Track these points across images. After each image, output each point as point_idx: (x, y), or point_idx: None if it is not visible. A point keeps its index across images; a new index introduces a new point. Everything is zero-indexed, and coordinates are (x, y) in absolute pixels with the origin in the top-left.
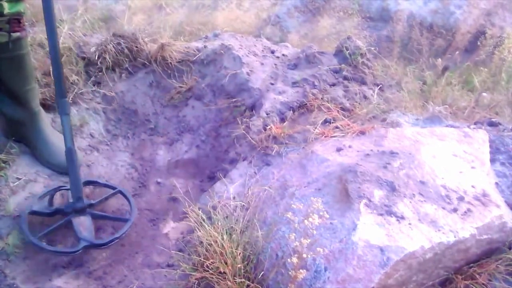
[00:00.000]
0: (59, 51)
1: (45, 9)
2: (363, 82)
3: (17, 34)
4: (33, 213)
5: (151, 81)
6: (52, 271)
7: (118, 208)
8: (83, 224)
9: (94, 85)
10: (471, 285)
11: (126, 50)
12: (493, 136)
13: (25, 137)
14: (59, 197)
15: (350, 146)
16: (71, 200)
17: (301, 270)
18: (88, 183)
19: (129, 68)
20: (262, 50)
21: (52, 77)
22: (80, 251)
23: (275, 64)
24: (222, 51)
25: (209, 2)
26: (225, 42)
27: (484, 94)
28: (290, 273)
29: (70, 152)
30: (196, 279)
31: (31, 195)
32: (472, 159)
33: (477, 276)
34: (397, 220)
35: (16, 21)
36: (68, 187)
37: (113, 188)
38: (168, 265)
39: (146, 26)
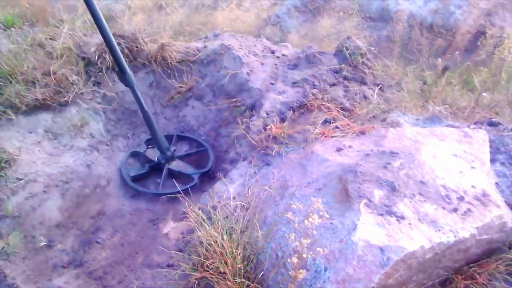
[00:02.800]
0: (113, 39)
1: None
2: (363, 82)
3: None
4: (134, 178)
5: (151, 81)
6: (52, 271)
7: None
8: (181, 165)
9: (94, 85)
10: (471, 285)
11: (126, 50)
12: (493, 136)
13: None
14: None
15: (350, 146)
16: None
17: (301, 270)
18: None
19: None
20: (262, 50)
21: (113, 59)
22: (198, 182)
23: (275, 64)
24: (222, 51)
25: (209, 2)
26: (225, 42)
27: (484, 94)
28: (290, 273)
29: (147, 114)
30: (196, 279)
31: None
32: (472, 159)
33: (477, 276)
34: (397, 220)
35: None
36: (144, 147)
37: (171, 136)
38: (168, 265)
39: (146, 26)
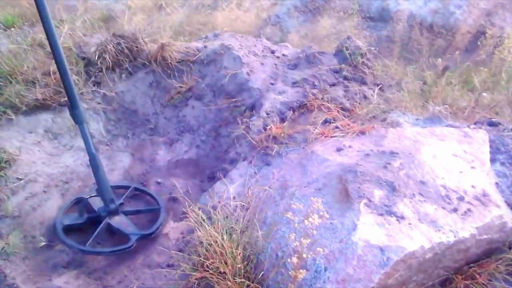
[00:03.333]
0: (66, 65)
1: (43, 17)
2: (363, 82)
3: None
4: (67, 227)
5: (151, 81)
6: (52, 271)
7: (141, 202)
8: (123, 222)
9: (94, 85)
10: (471, 285)
11: (126, 50)
12: (493, 136)
13: None
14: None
15: (350, 146)
16: (99, 206)
17: (301, 270)
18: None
19: (129, 68)
20: (262, 50)
21: (64, 90)
22: (135, 244)
23: (275, 64)
24: (222, 51)
25: (209, 2)
26: (225, 42)
27: (484, 94)
28: (290, 273)
29: (94, 158)
30: (196, 279)
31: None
32: (472, 159)
33: (477, 276)
34: (397, 220)
35: None
36: (87, 195)
37: (127, 187)
38: (168, 265)
39: (146, 26)
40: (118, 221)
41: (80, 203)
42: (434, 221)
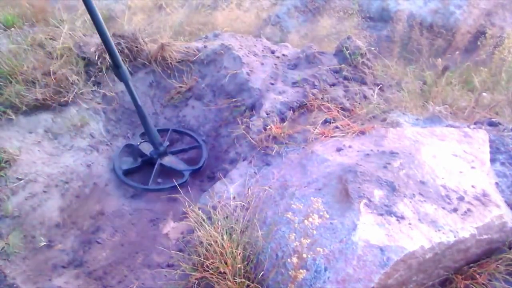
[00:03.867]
0: (106, 29)
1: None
2: (363, 82)
3: None
4: (126, 171)
5: (151, 81)
6: (52, 271)
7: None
8: (173, 161)
9: (94, 85)
10: (471, 285)
11: (126, 50)
12: (493, 136)
13: None
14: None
15: (350, 146)
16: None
17: (301, 270)
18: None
19: (129, 68)
20: (262, 50)
21: (107, 52)
22: (188, 179)
23: (275, 64)
24: (222, 51)
25: (209, 2)
26: (225, 42)
27: (484, 94)
28: (290, 273)
29: (141, 110)
30: (196, 279)
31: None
32: (472, 159)
33: (477, 276)
34: (397, 220)
35: None
36: (138, 141)
37: (167, 129)
38: (168, 265)
39: (146, 26)
40: (169, 160)
41: (131, 149)
42: (434, 221)
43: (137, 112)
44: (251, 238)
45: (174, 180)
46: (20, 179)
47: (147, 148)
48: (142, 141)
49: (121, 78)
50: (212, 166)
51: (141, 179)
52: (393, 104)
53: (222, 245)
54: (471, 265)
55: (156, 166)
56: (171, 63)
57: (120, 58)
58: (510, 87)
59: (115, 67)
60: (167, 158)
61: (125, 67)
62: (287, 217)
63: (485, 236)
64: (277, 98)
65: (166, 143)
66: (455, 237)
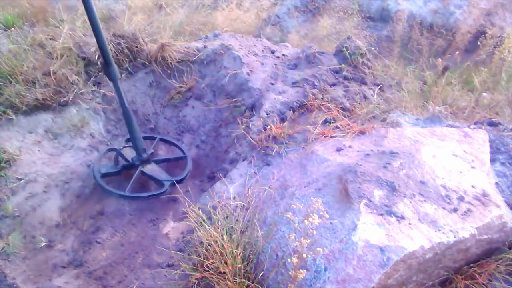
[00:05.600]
0: (101, 26)
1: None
2: (363, 82)
3: None
4: (105, 175)
5: (151, 81)
6: (52, 271)
7: (168, 152)
8: (155, 170)
9: (94, 85)
10: (471, 285)
11: (126, 50)
12: (493, 136)
13: None
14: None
15: (350, 146)
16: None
17: (301, 270)
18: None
19: (129, 68)
20: (262, 50)
21: (100, 50)
22: (168, 189)
23: (275, 64)
24: (222, 51)
25: (209, 2)
26: (225, 42)
27: (484, 94)
28: (290, 273)
29: (127, 112)
30: (196, 279)
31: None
32: (472, 159)
33: (477, 276)
34: (397, 220)
35: None
36: (120, 146)
37: (154, 137)
38: (168, 265)
39: (146, 26)
40: (151, 169)
41: (113, 153)
42: (434, 221)
43: (123, 113)
44: (251, 238)
45: (151, 190)
46: (20, 179)
47: (129, 154)
48: (126, 145)
49: (110, 77)
50: (212, 166)
51: (120, 185)
52: (393, 104)
53: (222, 245)
54: (471, 265)
55: (136, 173)
56: (171, 63)
57: (111, 56)
58: (510, 87)
59: (106, 65)
60: (149, 166)
61: (115, 66)
62: (287, 217)
63: (485, 236)
64: (277, 98)
65: (151, 150)
66: (455, 237)
